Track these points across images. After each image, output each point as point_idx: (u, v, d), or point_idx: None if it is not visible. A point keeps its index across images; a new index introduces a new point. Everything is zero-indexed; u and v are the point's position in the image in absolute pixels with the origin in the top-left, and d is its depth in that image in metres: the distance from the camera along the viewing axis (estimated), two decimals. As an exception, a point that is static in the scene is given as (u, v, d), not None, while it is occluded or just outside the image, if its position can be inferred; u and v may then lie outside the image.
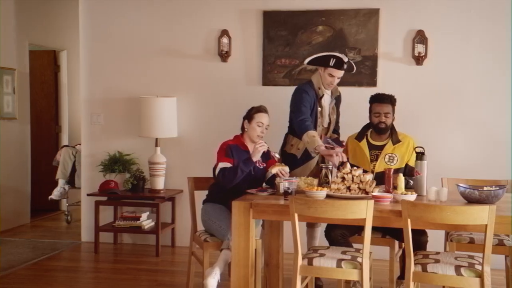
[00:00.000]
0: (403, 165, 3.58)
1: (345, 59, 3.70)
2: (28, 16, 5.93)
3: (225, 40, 4.78)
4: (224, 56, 4.80)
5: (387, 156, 3.57)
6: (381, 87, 4.48)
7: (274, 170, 3.40)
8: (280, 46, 4.70)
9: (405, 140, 3.62)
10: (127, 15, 5.00)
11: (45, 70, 6.59)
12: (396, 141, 3.61)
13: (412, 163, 3.54)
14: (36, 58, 6.43)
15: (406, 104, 4.48)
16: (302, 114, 3.63)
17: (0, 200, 5.44)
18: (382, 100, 3.62)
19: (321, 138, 3.62)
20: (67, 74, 6.72)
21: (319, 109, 3.76)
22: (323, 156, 3.62)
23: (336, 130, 3.94)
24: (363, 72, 4.57)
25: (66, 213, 5.95)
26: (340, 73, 3.73)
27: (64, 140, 6.67)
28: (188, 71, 4.91)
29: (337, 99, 3.92)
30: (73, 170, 5.85)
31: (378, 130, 3.62)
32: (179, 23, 4.90)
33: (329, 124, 3.86)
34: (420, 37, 4.46)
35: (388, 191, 3.19)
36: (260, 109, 3.58)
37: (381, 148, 3.61)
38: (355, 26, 4.57)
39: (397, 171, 3.46)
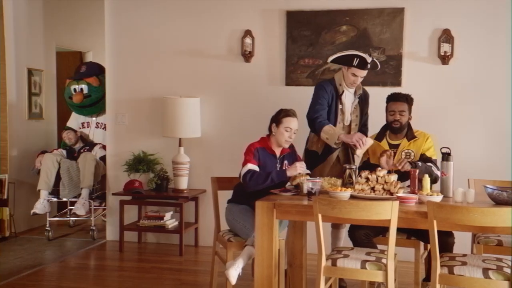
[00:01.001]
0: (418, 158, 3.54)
1: (369, 59, 3.66)
2: (55, 18, 6.04)
3: (248, 40, 4.79)
4: (247, 56, 4.81)
5: (403, 153, 3.54)
6: (406, 87, 4.43)
7: (295, 182, 3.35)
8: (303, 46, 4.69)
9: (421, 136, 3.60)
10: (151, 17, 5.04)
11: (71, 71, 6.67)
12: (411, 137, 3.59)
13: (424, 151, 3.51)
14: (62, 59, 6.54)
15: (431, 104, 4.44)
16: (315, 113, 3.67)
17: (28, 200, 5.54)
18: (397, 99, 3.61)
19: None
20: (92, 75, 6.79)
21: (340, 106, 3.75)
22: (346, 145, 3.68)
23: (364, 132, 3.88)
24: (388, 72, 4.53)
25: (47, 228, 5.17)
26: (363, 73, 3.70)
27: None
28: (211, 72, 4.93)
29: (362, 99, 3.87)
30: (57, 179, 5.19)
31: (393, 130, 3.60)
32: (202, 23, 4.93)
33: (350, 122, 3.82)
34: (446, 36, 4.40)
35: (413, 192, 3.15)
36: (289, 113, 3.48)
37: (398, 146, 3.60)
38: (379, 25, 4.53)
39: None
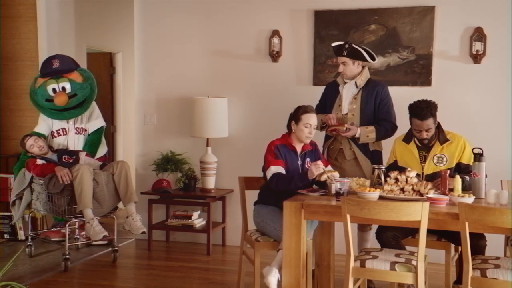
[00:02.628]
0: (453, 165, 3.43)
1: (333, 44, 3.95)
2: (86, 20, 6.15)
3: (276, 40, 4.79)
4: (274, 56, 4.81)
5: (435, 157, 3.43)
6: (436, 87, 4.38)
7: (323, 178, 3.30)
8: (331, 46, 4.65)
9: (454, 139, 3.45)
10: (180, 18, 5.09)
11: (101, 72, 6.79)
12: (443, 140, 3.44)
13: (465, 160, 3.39)
14: (93, 60, 6.65)
15: (462, 104, 4.35)
16: None
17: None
18: (422, 117, 3.34)
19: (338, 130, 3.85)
20: (122, 75, 6.91)
21: (338, 96, 3.94)
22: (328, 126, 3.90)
23: (381, 126, 3.81)
24: (417, 71, 4.46)
25: (30, 243, 4.55)
26: (340, 59, 3.89)
27: (119, 140, 6.85)
28: (239, 72, 4.95)
29: (368, 91, 3.84)
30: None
31: (421, 143, 3.49)
32: (230, 24, 4.95)
33: (347, 113, 3.86)
34: (479, 34, 4.31)
35: (444, 193, 3.10)
36: (307, 110, 3.49)
37: (429, 149, 3.48)
38: (409, 24, 4.47)
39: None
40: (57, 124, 4.64)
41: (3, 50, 5.35)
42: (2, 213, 5.05)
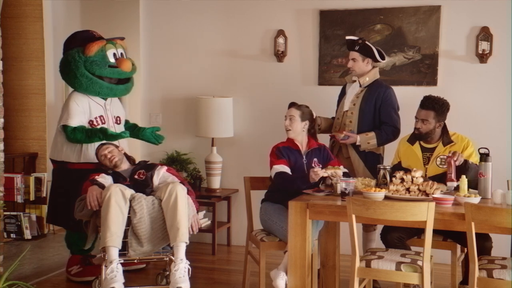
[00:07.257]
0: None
1: (347, 37, 3.93)
2: (92, 19, 6.14)
3: (281, 40, 4.78)
4: (280, 56, 4.81)
5: (438, 159, 3.42)
6: (442, 86, 4.36)
7: (325, 174, 3.29)
8: (336, 46, 4.65)
9: (458, 141, 3.44)
10: (185, 18, 5.10)
11: (107, 72, 6.79)
12: (447, 142, 3.43)
13: (470, 159, 3.34)
14: (98, 60, 6.65)
15: (468, 104, 4.34)
16: None
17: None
18: (423, 106, 3.45)
19: (339, 129, 3.91)
20: (127, 75, 6.91)
21: (345, 95, 3.98)
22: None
23: (381, 130, 3.80)
24: (423, 71, 4.45)
25: None
26: (351, 54, 3.88)
27: (125, 140, 6.84)
28: (244, 72, 4.95)
29: (371, 91, 3.85)
30: None
31: (413, 135, 3.49)
32: (235, 24, 4.95)
33: (347, 110, 3.90)
34: (485, 34, 4.29)
35: (451, 180, 3.09)
36: (290, 104, 3.65)
37: (432, 150, 3.47)
38: (414, 23, 4.45)
39: None
40: (95, 110, 3.76)
41: (9, 50, 5.36)
42: (8, 213, 5.07)
